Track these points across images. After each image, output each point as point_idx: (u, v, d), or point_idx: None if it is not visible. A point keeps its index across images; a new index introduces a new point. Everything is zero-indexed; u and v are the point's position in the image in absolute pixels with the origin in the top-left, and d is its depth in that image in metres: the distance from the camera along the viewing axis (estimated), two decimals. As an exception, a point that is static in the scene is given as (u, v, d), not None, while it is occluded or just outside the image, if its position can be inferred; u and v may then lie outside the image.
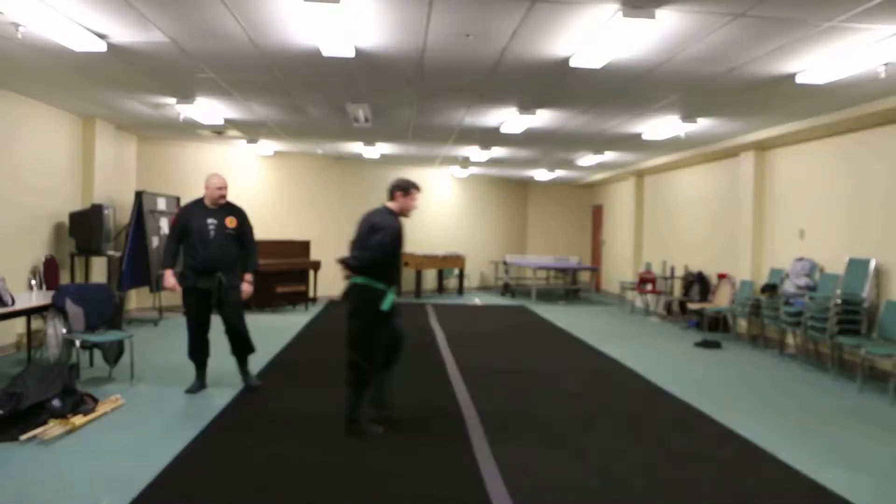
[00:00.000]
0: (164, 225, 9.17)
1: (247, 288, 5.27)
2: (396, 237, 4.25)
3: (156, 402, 4.97)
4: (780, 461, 3.99)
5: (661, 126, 7.91)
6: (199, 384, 5.32)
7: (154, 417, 4.59)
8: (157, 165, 10.23)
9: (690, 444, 4.32)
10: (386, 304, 4.21)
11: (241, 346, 5.32)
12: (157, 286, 8.63)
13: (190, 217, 5.17)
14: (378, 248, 4.16)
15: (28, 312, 5.66)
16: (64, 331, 5.40)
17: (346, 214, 12.96)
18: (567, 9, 4.03)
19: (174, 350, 4.59)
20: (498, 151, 10.74)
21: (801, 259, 7.75)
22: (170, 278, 5.19)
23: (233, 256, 5.21)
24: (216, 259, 5.11)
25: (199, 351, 5.32)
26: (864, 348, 5.94)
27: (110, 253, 8.11)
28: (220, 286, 5.12)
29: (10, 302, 5.02)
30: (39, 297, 5.86)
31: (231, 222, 5.21)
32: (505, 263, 14.75)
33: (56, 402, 4.32)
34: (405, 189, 4.51)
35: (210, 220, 5.14)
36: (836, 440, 4.49)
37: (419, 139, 9.84)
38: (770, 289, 7.94)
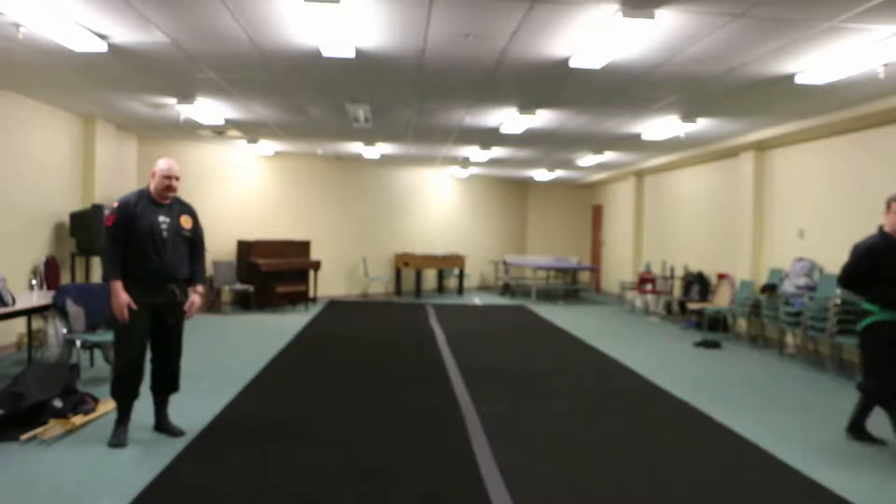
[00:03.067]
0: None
1: (198, 301, 4.22)
2: (861, 258, 4.21)
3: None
4: (780, 461, 3.99)
5: (661, 126, 7.91)
6: (125, 433, 4.02)
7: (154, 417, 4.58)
8: (157, 165, 10.22)
9: (690, 444, 4.32)
10: (861, 324, 4.30)
11: (171, 381, 4.25)
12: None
13: (136, 214, 4.00)
14: (841, 271, 4.32)
15: (29, 312, 5.67)
16: (64, 331, 5.41)
17: (345, 214, 13.02)
18: (567, 9, 4.03)
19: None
20: (498, 151, 10.74)
21: (800, 259, 7.76)
22: (122, 294, 3.92)
23: (186, 265, 4.18)
24: (169, 266, 4.05)
25: (134, 389, 4.04)
26: (864, 348, 5.94)
27: (110, 253, 8.09)
28: (173, 301, 4.10)
29: (10, 302, 5.02)
30: (40, 297, 5.87)
31: (186, 222, 4.17)
32: (505, 263, 14.75)
33: (57, 402, 4.32)
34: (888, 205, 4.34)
35: (162, 219, 4.05)
36: (836, 440, 4.49)
37: (419, 139, 9.85)
38: (770, 289, 7.94)
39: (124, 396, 4.04)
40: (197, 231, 4.26)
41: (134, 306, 3.94)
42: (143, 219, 3.99)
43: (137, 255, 3.98)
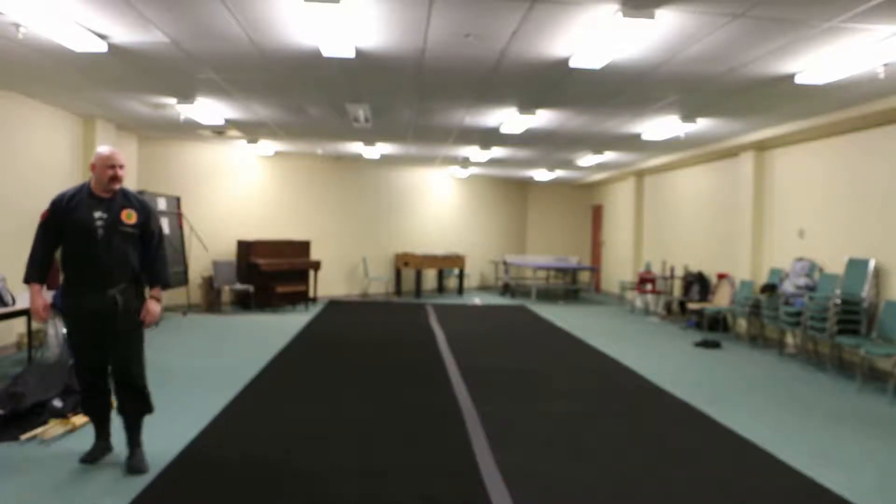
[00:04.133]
0: (164, 225, 9.17)
1: (154, 308, 3.65)
2: None
3: (156, 402, 4.95)
4: (780, 461, 3.99)
5: (661, 126, 7.91)
6: (103, 446, 3.74)
7: (154, 417, 4.57)
8: (157, 165, 10.24)
9: (690, 444, 4.32)
10: None
11: (134, 400, 3.69)
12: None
13: (69, 209, 3.52)
14: None
15: (29, 312, 5.67)
16: (64, 331, 5.40)
17: (345, 214, 13.03)
18: (567, 9, 4.03)
19: (175, 350, 4.53)
20: (498, 151, 10.74)
21: (800, 259, 7.76)
22: (38, 298, 3.56)
23: (132, 267, 3.60)
24: (107, 268, 3.50)
25: (97, 401, 3.71)
26: (864, 348, 5.94)
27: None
28: (114, 309, 3.52)
29: (10, 302, 5.02)
30: (40, 297, 5.86)
31: (129, 217, 3.57)
32: (505, 263, 14.75)
33: (56, 402, 4.33)
34: None
35: (97, 214, 3.51)
36: (836, 440, 4.49)
37: (419, 139, 9.85)
38: (769, 289, 7.94)
39: (88, 413, 3.77)
40: (147, 226, 3.65)
41: (45, 314, 3.56)
42: (75, 214, 3.51)
43: (69, 256, 3.57)
